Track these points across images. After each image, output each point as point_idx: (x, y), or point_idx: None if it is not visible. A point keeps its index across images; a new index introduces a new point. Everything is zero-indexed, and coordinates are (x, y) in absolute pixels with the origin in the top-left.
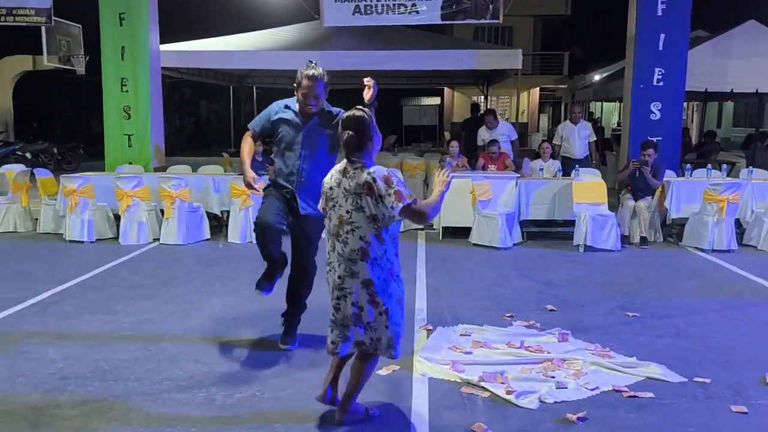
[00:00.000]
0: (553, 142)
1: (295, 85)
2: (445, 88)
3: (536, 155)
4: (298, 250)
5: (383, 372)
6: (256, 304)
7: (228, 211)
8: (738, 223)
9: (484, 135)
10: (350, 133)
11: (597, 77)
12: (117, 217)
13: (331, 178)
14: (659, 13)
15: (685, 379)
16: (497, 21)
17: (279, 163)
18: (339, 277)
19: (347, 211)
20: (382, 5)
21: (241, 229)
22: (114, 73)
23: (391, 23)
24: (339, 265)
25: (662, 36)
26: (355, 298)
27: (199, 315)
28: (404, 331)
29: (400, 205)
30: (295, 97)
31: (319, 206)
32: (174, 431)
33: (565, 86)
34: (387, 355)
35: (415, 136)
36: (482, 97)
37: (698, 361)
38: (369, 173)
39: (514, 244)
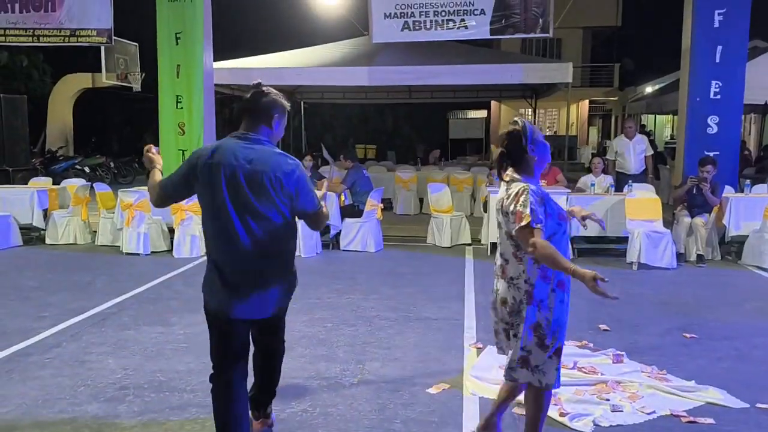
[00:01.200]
0: (608, 157)
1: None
2: (492, 101)
3: (587, 170)
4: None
5: (433, 390)
6: (306, 317)
7: None
8: None
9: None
10: (502, 149)
11: (649, 89)
12: (171, 231)
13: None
14: (716, 24)
15: (748, 405)
16: (548, 35)
17: None
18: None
19: (498, 225)
20: (431, 21)
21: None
22: (170, 90)
23: (440, 39)
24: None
25: (719, 48)
26: (499, 314)
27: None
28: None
29: (516, 225)
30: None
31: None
32: None
33: (615, 98)
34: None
35: (461, 150)
36: (530, 109)
37: (762, 386)
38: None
39: None
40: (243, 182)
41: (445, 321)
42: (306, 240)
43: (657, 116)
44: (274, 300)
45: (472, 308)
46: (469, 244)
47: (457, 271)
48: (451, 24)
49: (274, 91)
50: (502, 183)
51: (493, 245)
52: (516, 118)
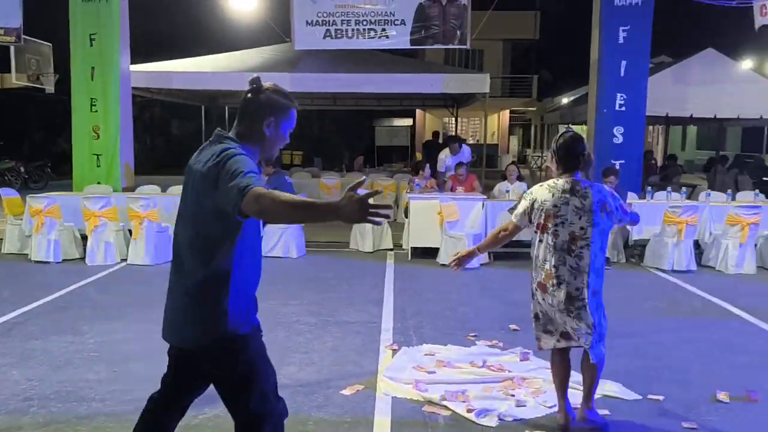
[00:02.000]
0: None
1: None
2: (417, 110)
3: (503, 177)
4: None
5: (347, 392)
6: None
7: None
8: (697, 245)
9: (447, 161)
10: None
11: (565, 100)
12: (84, 238)
13: (552, 196)
14: (621, 40)
15: (640, 397)
16: (465, 46)
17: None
18: (577, 289)
19: (581, 228)
20: (353, 30)
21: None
22: (84, 92)
23: (362, 47)
24: (575, 278)
25: (624, 63)
26: (591, 307)
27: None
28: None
29: (626, 217)
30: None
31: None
32: None
33: (534, 109)
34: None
35: (387, 157)
36: (452, 118)
37: (654, 378)
38: (599, 191)
39: (481, 265)
40: None
41: (363, 324)
42: None
43: (572, 127)
44: None
45: (390, 311)
46: (391, 249)
47: (378, 275)
48: (372, 33)
49: (275, 88)
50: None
51: (414, 249)
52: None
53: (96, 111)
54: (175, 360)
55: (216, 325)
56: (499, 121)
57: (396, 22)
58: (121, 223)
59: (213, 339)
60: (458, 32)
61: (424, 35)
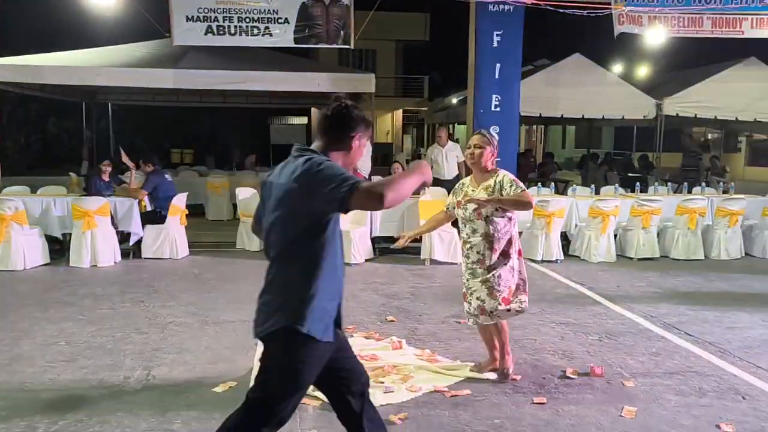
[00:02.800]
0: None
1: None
2: (313, 108)
3: (389, 174)
4: None
5: (219, 389)
6: (94, 328)
7: (70, 234)
8: (564, 236)
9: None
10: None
11: (454, 100)
12: None
13: None
14: (495, 44)
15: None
16: (348, 46)
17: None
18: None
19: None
20: (236, 27)
21: (84, 252)
22: None
23: (245, 45)
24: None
25: (498, 65)
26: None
27: (28, 342)
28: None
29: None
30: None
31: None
32: None
33: (426, 109)
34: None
35: (283, 156)
36: None
37: (513, 360)
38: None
39: (366, 260)
40: None
41: (242, 323)
42: (102, 246)
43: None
44: None
45: None
46: None
47: (262, 274)
48: (255, 31)
49: (357, 105)
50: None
51: None
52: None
53: None
54: None
55: (294, 315)
56: (393, 120)
57: (279, 21)
58: None
59: (283, 326)
60: (342, 32)
61: (308, 34)
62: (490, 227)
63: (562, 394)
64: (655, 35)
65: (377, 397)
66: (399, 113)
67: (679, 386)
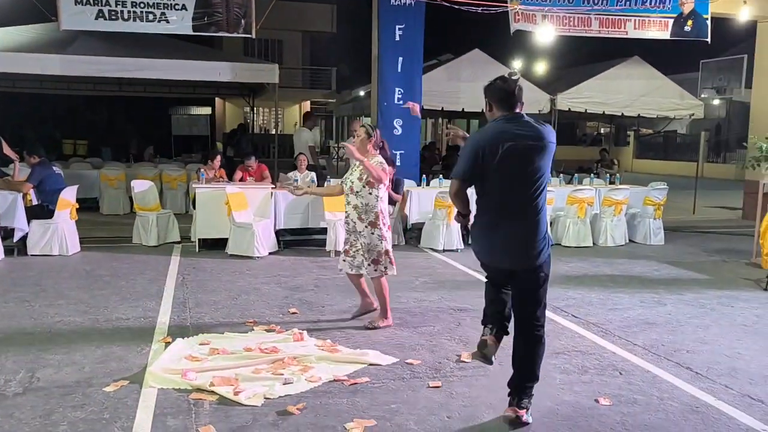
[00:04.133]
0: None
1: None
2: (217, 99)
3: (293, 167)
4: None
5: (110, 389)
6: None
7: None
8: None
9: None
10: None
11: (361, 93)
12: None
13: None
14: (397, 38)
15: (397, 360)
16: (250, 35)
17: None
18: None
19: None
20: (129, 12)
21: None
22: None
23: (139, 31)
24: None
25: (400, 59)
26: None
27: None
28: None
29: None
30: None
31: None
32: None
33: (334, 101)
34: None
35: (186, 147)
36: (249, 108)
37: (411, 347)
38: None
39: (270, 253)
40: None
41: (136, 320)
42: None
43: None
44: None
45: (168, 305)
46: (179, 242)
47: (160, 269)
48: (151, 17)
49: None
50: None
51: (204, 241)
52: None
53: None
54: (496, 274)
55: (542, 251)
56: (300, 111)
57: (177, 7)
58: None
59: (537, 262)
60: (243, 21)
61: (207, 22)
62: (359, 200)
63: (456, 377)
64: (547, 33)
65: (276, 389)
66: (307, 105)
67: (564, 365)
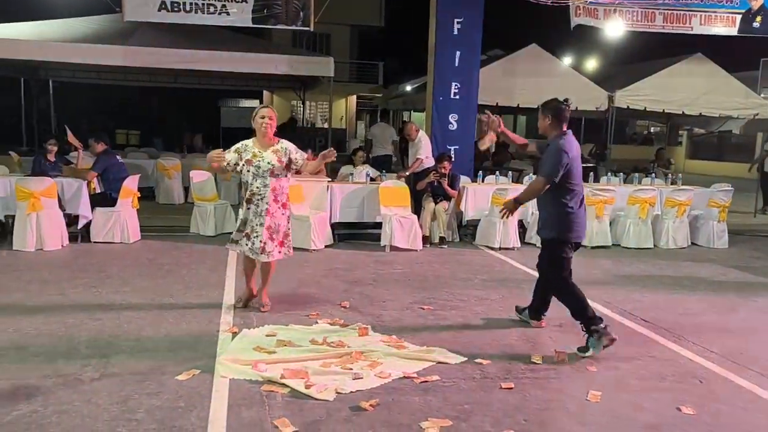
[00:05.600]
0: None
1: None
2: (265, 91)
3: (350, 161)
4: None
5: (182, 377)
6: (43, 315)
7: (13, 216)
8: (521, 224)
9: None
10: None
11: (408, 88)
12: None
13: None
14: (455, 32)
15: (465, 359)
16: (308, 28)
17: None
18: None
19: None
20: (191, 3)
21: (29, 235)
22: None
23: (200, 23)
24: None
25: (458, 53)
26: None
27: None
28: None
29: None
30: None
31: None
32: None
33: (381, 95)
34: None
35: (234, 139)
36: (300, 101)
37: (479, 346)
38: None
39: (326, 246)
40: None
41: (200, 309)
42: (48, 229)
43: (412, 113)
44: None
45: (231, 294)
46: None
47: (218, 259)
48: (212, 9)
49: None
50: None
51: None
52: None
53: None
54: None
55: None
56: (347, 106)
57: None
58: None
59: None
60: (301, 13)
61: (267, 14)
62: (278, 183)
63: (528, 379)
64: (611, 28)
65: (347, 384)
66: (353, 99)
67: (640, 371)
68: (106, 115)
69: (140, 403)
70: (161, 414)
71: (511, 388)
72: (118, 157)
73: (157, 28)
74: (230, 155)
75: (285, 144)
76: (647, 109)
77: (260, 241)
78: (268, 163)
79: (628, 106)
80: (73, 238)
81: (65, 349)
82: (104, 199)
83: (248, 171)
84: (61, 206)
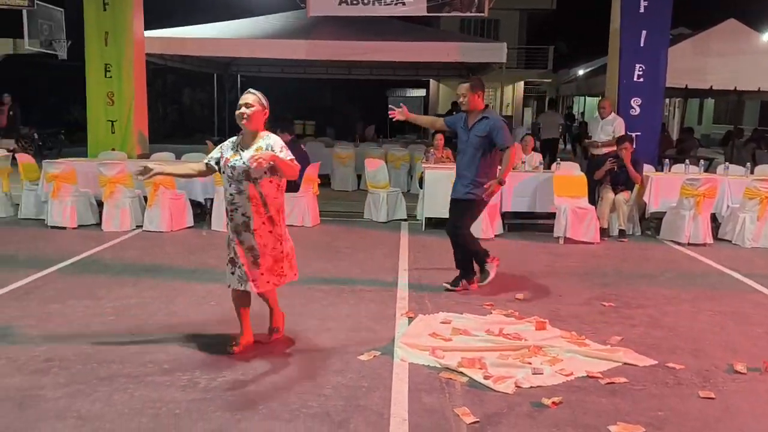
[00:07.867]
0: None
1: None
2: (431, 80)
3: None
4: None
5: (364, 358)
6: None
7: (211, 199)
8: (714, 218)
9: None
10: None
11: (581, 72)
12: (100, 204)
13: None
14: (641, 10)
15: (656, 362)
16: (483, 14)
17: None
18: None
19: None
20: None
21: (224, 217)
22: (98, 58)
23: (377, 14)
24: None
25: (644, 33)
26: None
27: (182, 301)
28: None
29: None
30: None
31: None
32: (158, 413)
33: (550, 80)
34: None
35: (399, 128)
36: None
37: (670, 349)
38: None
39: (496, 236)
40: None
41: (377, 292)
42: None
43: (587, 98)
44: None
45: (405, 280)
46: (405, 220)
47: (392, 245)
48: (388, 0)
49: None
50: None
51: (428, 220)
52: None
53: (110, 77)
54: None
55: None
56: (513, 92)
57: None
58: (136, 190)
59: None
60: (476, 0)
61: (441, 2)
62: (259, 190)
63: (731, 390)
64: None
65: (527, 378)
66: (520, 85)
67: None
68: (285, 107)
69: (327, 380)
70: (347, 392)
71: (712, 398)
72: (301, 146)
73: (333, 23)
74: (216, 151)
75: (269, 140)
76: None
77: (245, 267)
78: (244, 163)
79: None
80: None
81: (257, 323)
82: (289, 185)
83: (223, 173)
84: None
